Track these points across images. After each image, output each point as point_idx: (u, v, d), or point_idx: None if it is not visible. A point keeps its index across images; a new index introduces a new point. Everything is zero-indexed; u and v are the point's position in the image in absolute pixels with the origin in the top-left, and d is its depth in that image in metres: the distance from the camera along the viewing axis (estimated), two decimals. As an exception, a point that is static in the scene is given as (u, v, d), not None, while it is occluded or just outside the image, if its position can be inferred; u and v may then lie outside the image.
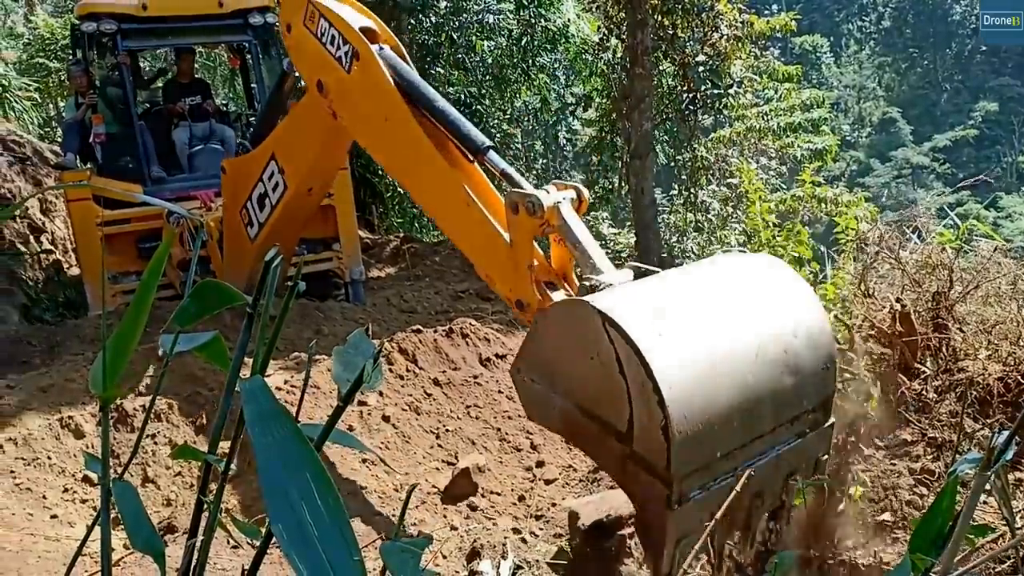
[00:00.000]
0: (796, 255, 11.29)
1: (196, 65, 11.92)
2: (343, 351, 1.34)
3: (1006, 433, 1.25)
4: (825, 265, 6.31)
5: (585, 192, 3.76)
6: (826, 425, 3.43)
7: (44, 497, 4.12)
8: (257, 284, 1.26)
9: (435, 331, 6.12)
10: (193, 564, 1.36)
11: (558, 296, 3.64)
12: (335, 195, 7.18)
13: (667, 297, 3.02)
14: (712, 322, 2.94)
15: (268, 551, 1.21)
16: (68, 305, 8.29)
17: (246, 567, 1.24)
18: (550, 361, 3.09)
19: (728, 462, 2.88)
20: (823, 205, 12.77)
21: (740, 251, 3.72)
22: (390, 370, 5.51)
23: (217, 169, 7.56)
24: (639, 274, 3.51)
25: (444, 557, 2.93)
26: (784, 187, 14.69)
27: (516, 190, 3.61)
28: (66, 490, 4.22)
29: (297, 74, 5.16)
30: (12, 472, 4.25)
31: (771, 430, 3.02)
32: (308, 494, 1.03)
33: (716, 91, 12.67)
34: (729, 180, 13.44)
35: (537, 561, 2.88)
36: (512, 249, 3.67)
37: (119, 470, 4.23)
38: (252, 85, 8.59)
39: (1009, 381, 4.31)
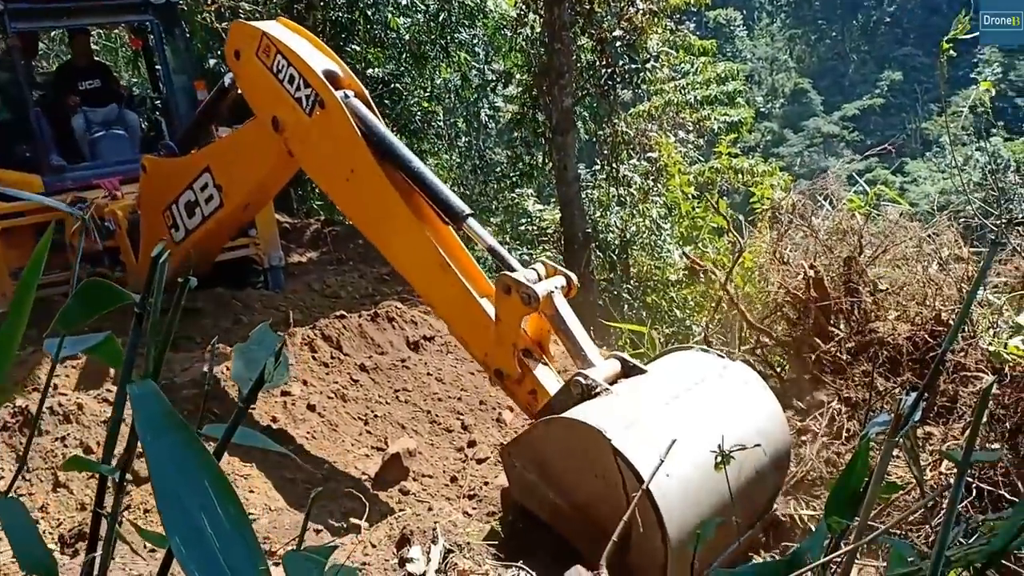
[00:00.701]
0: (715, 225, 11.56)
1: (95, 47, 11.33)
2: (245, 348, 1.28)
3: (913, 396, 1.27)
4: (743, 234, 6.45)
5: (574, 278, 3.86)
6: (771, 511, 3.78)
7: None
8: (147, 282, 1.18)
9: (360, 316, 6.02)
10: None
11: (541, 370, 3.76)
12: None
13: (667, 425, 3.22)
14: (706, 453, 3.11)
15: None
16: (-34, 305, 7.82)
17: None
18: (549, 462, 3.31)
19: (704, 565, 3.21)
20: (740, 176, 13.10)
21: (718, 355, 3.95)
22: (314, 358, 5.38)
23: (123, 155, 7.21)
24: (625, 366, 3.69)
25: (373, 546, 2.89)
26: (702, 159, 14.97)
27: (510, 275, 3.64)
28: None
29: (240, 91, 4.96)
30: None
31: (738, 531, 3.33)
32: (207, 502, 0.97)
33: (634, 66, 12.77)
34: (649, 154, 13.60)
35: (468, 544, 2.87)
36: (498, 324, 3.72)
37: (27, 477, 4.02)
38: (156, 68, 8.19)
39: (917, 340, 4.50)
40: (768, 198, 7.80)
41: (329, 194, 5.08)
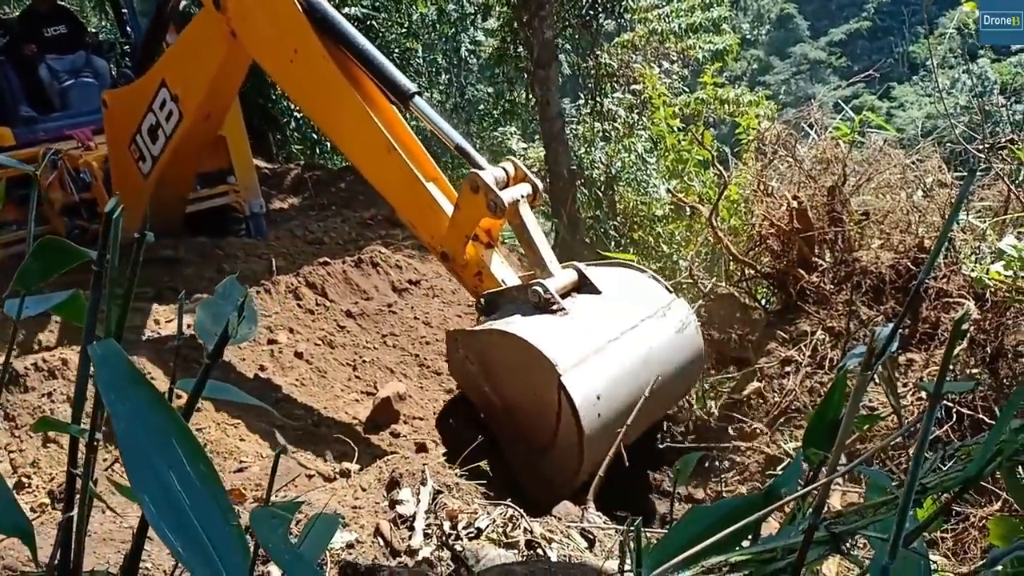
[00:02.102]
0: (700, 158, 11.46)
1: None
2: (211, 302, 1.25)
3: (888, 328, 1.26)
4: (728, 167, 6.39)
5: (540, 185, 3.97)
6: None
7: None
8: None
9: (344, 262, 5.98)
10: (74, 535, 1.28)
11: (492, 257, 3.93)
12: (224, 123, 6.77)
13: (609, 364, 3.51)
14: (637, 384, 3.56)
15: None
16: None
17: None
18: (493, 363, 3.56)
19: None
20: (725, 106, 12.90)
21: (666, 288, 4.14)
22: (299, 305, 5.36)
23: (93, 104, 7.02)
24: (581, 276, 3.88)
25: (364, 489, 2.93)
26: (687, 90, 14.74)
27: (480, 175, 3.68)
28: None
29: None
30: None
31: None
32: (175, 461, 0.97)
33: (616, -7, 12.45)
34: (634, 87, 13.36)
35: (457, 484, 2.92)
36: (456, 214, 3.80)
37: (16, 434, 4.01)
38: (123, 11, 7.92)
39: (900, 268, 4.51)
40: (754, 129, 7.70)
41: (275, 78, 5.15)
